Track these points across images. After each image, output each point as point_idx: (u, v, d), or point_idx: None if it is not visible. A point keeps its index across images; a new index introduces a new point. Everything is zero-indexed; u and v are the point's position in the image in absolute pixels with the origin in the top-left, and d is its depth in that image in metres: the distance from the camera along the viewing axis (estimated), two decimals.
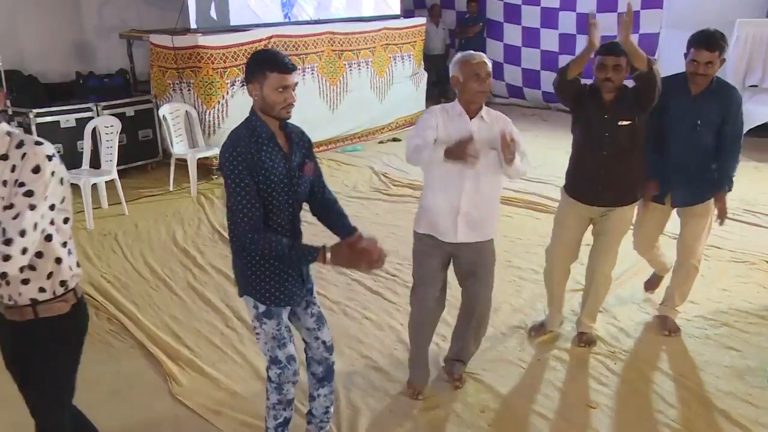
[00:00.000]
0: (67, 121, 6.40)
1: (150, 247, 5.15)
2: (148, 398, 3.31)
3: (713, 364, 3.51)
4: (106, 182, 5.96)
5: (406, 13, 10.09)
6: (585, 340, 3.69)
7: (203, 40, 6.65)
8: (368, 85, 8.51)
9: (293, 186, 2.44)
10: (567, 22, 9.53)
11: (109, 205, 6.05)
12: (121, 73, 7.57)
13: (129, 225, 5.65)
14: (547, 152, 7.35)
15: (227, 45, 6.82)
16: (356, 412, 3.15)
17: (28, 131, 6.15)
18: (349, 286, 4.47)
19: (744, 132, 3.60)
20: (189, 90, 6.85)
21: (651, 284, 4.23)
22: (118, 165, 5.90)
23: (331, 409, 2.87)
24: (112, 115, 6.38)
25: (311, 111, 7.60)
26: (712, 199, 3.61)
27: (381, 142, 8.61)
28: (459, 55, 3.02)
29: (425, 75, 9.60)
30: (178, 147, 6.61)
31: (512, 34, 10.27)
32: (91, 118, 6.23)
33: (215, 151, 6.67)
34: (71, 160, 6.18)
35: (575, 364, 3.52)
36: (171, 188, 6.58)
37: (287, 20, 7.79)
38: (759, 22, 7.53)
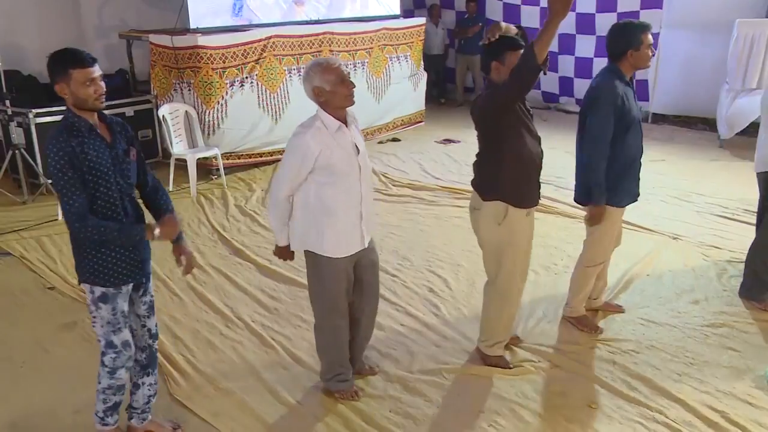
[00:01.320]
0: None
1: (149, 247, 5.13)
2: None
3: (713, 364, 3.51)
4: None
5: (406, 13, 10.08)
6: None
7: (203, 40, 6.65)
8: (365, 85, 8.50)
9: (122, 171, 2.59)
10: (566, 22, 9.39)
11: None
12: (121, 73, 7.57)
13: None
14: (547, 152, 7.23)
15: (227, 45, 6.81)
16: (355, 411, 3.15)
17: (27, 131, 6.15)
18: None
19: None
20: (189, 90, 6.85)
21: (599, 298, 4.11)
22: None
23: (154, 399, 2.97)
24: (112, 115, 6.33)
25: (308, 112, 7.58)
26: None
27: (380, 143, 8.60)
28: (314, 63, 2.87)
29: (425, 75, 9.60)
30: (178, 147, 6.60)
31: None
32: None
33: (215, 152, 6.67)
34: None
35: (576, 365, 3.51)
36: (170, 188, 6.57)
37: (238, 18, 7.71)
38: (758, 22, 7.53)
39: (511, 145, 3.14)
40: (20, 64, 7.06)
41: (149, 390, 2.94)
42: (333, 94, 2.82)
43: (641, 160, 3.64)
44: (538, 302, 4.21)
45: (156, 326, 2.91)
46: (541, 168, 3.29)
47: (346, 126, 2.93)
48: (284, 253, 3.12)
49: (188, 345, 3.77)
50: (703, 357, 3.58)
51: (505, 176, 3.17)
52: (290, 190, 2.92)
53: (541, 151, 3.29)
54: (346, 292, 3.07)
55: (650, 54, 3.48)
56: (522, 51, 2.96)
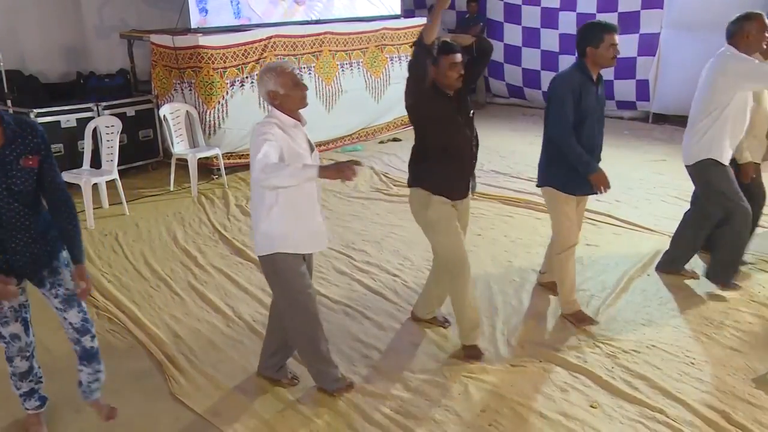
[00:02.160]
0: (68, 121, 6.40)
1: (150, 247, 5.15)
2: (148, 398, 3.31)
3: (713, 364, 3.51)
4: (106, 182, 5.96)
5: (407, 13, 10.08)
6: None
7: (204, 40, 6.66)
8: (363, 85, 8.51)
9: (6, 178, 2.52)
10: (567, 22, 9.51)
11: (109, 205, 6.05)
12: (122, 73, 7.58)
13: (130, 225, 5.65)
14: None
15: (227, 45, 6.82)
16: (357, 412, 3.15)
17: None
18: (349, 286, 4.47)
19: None
20: (190, 90, 6.85)
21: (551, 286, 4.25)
22: (118, 165, 5.91)
23: (95, 386, 3.02)
24: (113, 115, 6.39)
25: (308, 111, 7.59)
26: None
27: (381, 142, 8.60)
28: (267, 68, 2.97)
29: None
30: (179, 147, 6.61)
31: (512, 34, 10.27)
32: (92, 118, 6.23)
33: (216, 151, 6.68)
34: (72, 160, 6.22)
35: (575, 364, 3.51)
36: (171, 188, 6.58)
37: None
38: None
39: (435, 139, 3.40)
40: (21, 65, 7.08)
41: (88, 377, 2.99)
42: (287, 97, 2.91)
43: (594, 155, 3.75)
44: (538, 302, 4.21)
45: (83, 320, 2.86)
46: (470, 163, 3.48)
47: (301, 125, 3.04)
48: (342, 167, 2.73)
49: (189, 344, 3.77)
50: (704, 356, 3.58)
51: (428, 167, 3.43)
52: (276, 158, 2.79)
53: (474, 147, 3.47)
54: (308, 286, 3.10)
55: (611, 54, 3.58)
56: (454, 55, 3.29)
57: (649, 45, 8.81)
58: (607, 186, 3.68)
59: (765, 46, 3.92)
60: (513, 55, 10.35)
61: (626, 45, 9.11)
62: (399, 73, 9.00)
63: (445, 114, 3.38)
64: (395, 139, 8.71)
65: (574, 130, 3.62)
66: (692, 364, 3.51)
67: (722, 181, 4.08)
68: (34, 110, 6.16)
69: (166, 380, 3.44)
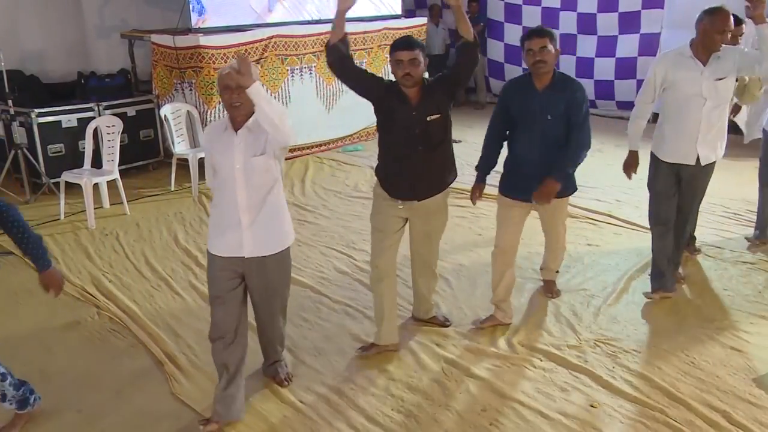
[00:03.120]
0: (69, 121, 6.41)
1: (151, 247, 5.15)
2: (149, 397, 3.31)
3: (714, 363, 3.51)
4: (107, 182, 5.97)
5: (408, 13, 10.08)
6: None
7: (204, 40, 6.66)
8: None
9: None
10: (568, 22, 9.52)
11: (110, 204, 6.06)
12: (123, 72, 7.58)
13: (130, 224, 5.65)
14: None
15: (228, 45, 6.82)
16: (358, 410, 3.15)
17: (30, 131, 6.16)
18: (350, 286, 4.47)
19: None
20: (191, 90, 6.86)
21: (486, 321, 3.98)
22: (119, 165, 5.91)
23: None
24: (114, 114, 6.40)
25: (308, 111, 7.63)
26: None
27: None
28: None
29: (425, 75, 9.59)
30: (180, 147, 6.61)
31: (513, 34, 10.26)
32: (93, 117, 6.24)
33: None
34: (73, 160, 6.22)
35: (576, 364, 3.51)
36: (172, 188, 6.59)
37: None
38: None
39: (380, 138, 3.54)
40: (22, 65, 7.09)
41: None
42: (223, 101, 2.91)
43: (532, 163, 3.63)
44: (539, 301, 4.21)
45: None
46: (415, 164, 3.39)
47: (237, 130, 2.90)
48: None
49: (190, 344, 3.77)
50: (705, 356, 3.58)
51: (378, 159, 3.59)
52: (209, 179, 3.11)
53: (416, 150, 3.38)
54: (221, 291, 3.00)
55: (530, 60, 3.50)
56: (397, 52, 3.30)
57: (649, 45, 8.81)
58: (474, 200, 3.82)
59: (717, 46, 3.70)
60: (514, 55, 10.34)
61: (627, 45, 9.15)
62: None
63: (387, 109, 3.39)
64: None
65: (512, 134, 3.71)
66: (693, 363, 3.51)
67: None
68: (35, 110, 6.16)
69: (167, 379, 3.44)
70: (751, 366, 3.48)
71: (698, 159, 3.89)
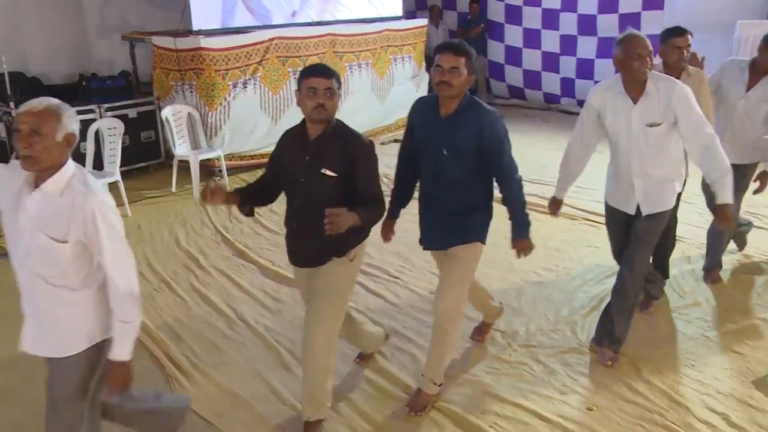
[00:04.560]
0: None
1: (153, 249, 5.16)
2: None
3: (713, 366, 3.52)
4: (108, 184, 5.96)
5: (408, 15, 10.09)
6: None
7: (205, 42, 6.67)
8: (369, 86, 8.53)
9: None
10: (568, 23, 9.53)
11: None
12: (124, 74, 7.59)
13: (132, 226, 5.66)
14: (549, 153, 7.35)
15: (229, 47, 6.83)
16: (358, 414, 3.16)
17: None
18: None
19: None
20: (191, 92, 6.87)
21: (479, 331, 3.78)
22: (120, 166, 5.92)
23: None
24: (115, 116, 6.40)
25: None
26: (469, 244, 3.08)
27: (383, 144, 8.60)
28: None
29: (426, 76, 9.61)
30: (181, 148, 6.62)
31: (513, 35, 10.28)
32: (94, 119, 6.25)
33: (218, 153, 6.69)
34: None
35: (575, 366, 3.52)
36: (173, 190, 6.60)
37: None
38: (759, 24, 7.53)
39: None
40: (24, 66, 7.09)
41: None
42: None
43: (437, 207, 3.08)
44: (539, 304, 4.22)
45: None
46: (299, 232, 2.82)
47: (35, 188, 2.18)
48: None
49: (191, 346, 3.78)
50: (704, 359, 3.59)
51: None
52: None
53: (306, 217, 2.75)
54: None
55: (436, 79, 2.86)
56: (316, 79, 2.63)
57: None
58: (386, 239, 3.22)
59: (639, 74, 3.13)
60: (514, 56, 10.36)
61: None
62: (402, 74, 9.03)
63: (285, 181, 2.81)
64: (396, 141, 8.71)
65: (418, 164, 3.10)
66: (693, 366, 3.53)
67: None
68: None
69: (168, 382, 3.45)
70: (750, 368, 3.49)
71: (638, 208, 3.40)
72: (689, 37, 3.84)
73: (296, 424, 3.10)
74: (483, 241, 3.10)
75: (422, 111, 3.05)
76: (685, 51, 3.81)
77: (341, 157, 2.71)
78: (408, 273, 4.71)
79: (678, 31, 3.82)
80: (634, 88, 3.20)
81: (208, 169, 6.86)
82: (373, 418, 3.13)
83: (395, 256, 4.98)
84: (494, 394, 3.30)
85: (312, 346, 2.79)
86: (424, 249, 3.28)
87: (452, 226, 3.05)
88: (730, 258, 4.84)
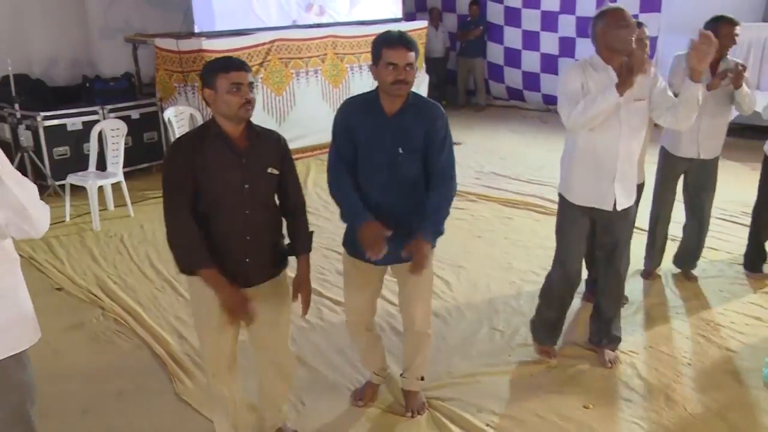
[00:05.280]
0: (74, 124, 6.44)
1: (155, 249, 5.17)
2: (153, 398, 3.33)
3: (710, 365, 3.53)
4: (112, 184, 5.99)
5: (408, 16, 10.10)
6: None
7: (207, 44, 6.68)
8: (370, 87, 8.51)
9: None
10: (567, 25, 9.54)
11: (114, 206, 6.08)
12: (127, 76, 7.60)
13: (134, 226, 5.67)
14: (547, 154, 7.37)
15: (231, 49, 6.84)
16: (358, 413, 3.17)
17: (35, 134, 6.19)
18: None
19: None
20: (194, 93, 6.88)
21: (359, 394, 3.28)
22: (123, 167, 5.93)
23: None
24: (118, 117, 6.42)
25: (313, 113, 7.65)
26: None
27: None
28: None
29: (426, 77, 9.62)
30: None
31: (512, 37, 10.29)
32: (97, 121, 6.27)
33: None
34: (78, 163, 6.25)
35: (571, 367, 3.53)
36: None
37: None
38: (755, 26, 7.54)
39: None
40: (29, 69, 7.11)
41: None
42: None
43: (384, 212, 2.70)
44: (534, 304, 4.22)
45: None
46: (237, 246, 2.46)
47: None
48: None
49: (193, 345, 3.78)
50: (700, 357, 3.60)
51: None
52: None
53: (247, 228, 2.45)
54: None
55: (390, 78, 2.59)
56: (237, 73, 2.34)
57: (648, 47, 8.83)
58: (374, 251, 2.59)
59: (627, 43, 2.99)
60: (513, 57, 10.37)
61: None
62: None
63: (206, 164, 2.36)
64: None
65: (358, 172, 2.76)
66: (689, 364, 3.53)
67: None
68: (41, 114, 6.19)
69: (171, 380, 3.46)
70: (746, 366, 3.50)
71: (615, 204, 3.22)
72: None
73: (297, 421, 3.11)
74: (435, 242, 2.81)
75: (361, 112, 2.74)
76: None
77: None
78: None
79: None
80: (619, 60, 3.02)
81: None
82: (372, 416, 3.14)
83: None
84: (492, 392, 3.31)
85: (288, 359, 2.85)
86: (375, 264, 2.82)
87: (407, 234, 2.67)
88: (726, 257, 4.85)
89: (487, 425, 3.05)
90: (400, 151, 2.70)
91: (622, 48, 2.99)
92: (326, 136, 8.80)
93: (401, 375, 3.19)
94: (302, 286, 2.64)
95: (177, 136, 6.51)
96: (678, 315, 4.07)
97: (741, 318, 4.01)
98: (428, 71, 9.74)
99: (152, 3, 8.18)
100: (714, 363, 3.55)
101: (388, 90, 2.65)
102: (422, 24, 9.47)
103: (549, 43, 9.84)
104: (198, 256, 2.35)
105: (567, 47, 9.58)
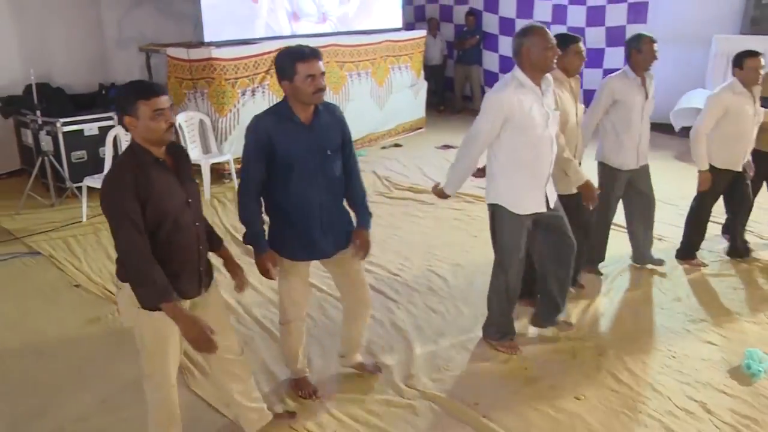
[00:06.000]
0: (91, 129, 6.45)
1: None
2: None
3: (692, 357, 3.54)
4: None
5: (408, 26, 10.11)
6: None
7: (216, 52, 6.69)
8: (368, 93, 8.54)
9: None
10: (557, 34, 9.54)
11: None
12: None
13: None
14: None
15: (239, 57, 6.85)
16: (357, 404, 3.18)
17: (55, 139, 6.20)
18: None
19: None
20: (203, 99, 6.89)
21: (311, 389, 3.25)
22: None
23: None
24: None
25: None
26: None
27: (383, 148, 8.63)
28: None
29: (425, 84, 9.62)
30: (193, 153, 6.63)
31: (507, 46, 10.26)
32: (112, 126, 6.26)
33: (227, 157, 6.71)
34: (94, 166, 6.27)
35: (563, 359, 3.54)
36: None
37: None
38: (733, 38, 7.54)
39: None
40: (49, 77, 7.12)
41: None
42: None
43: (321, 212, 2.86)
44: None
45: None
46: (194, 257, 2.52)
47: None
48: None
49: None
50: (684, 350, 3.61)
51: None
52: None
53: (200, 239, 2.53)
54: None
55: (311, 88, 2.66)
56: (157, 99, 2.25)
57: None
58: (269, 277, 2.87)
59: (549, 63, 3.13)
60: (507, 65, 10.34)
61: (614, 56, 9.19)
62: (400, 82, 9.04)
63: (152, 191, 2.28)
64: (396, 145, 8.73)
65: (280, 183, 2.79)
66: (674, 357, 3.54)
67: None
68: (60, 120, 6.20)
69: (182, 373, 3.47)
70: (726, 359, 3.52)
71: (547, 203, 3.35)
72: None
73: (302, 415, 3.12)
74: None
75: (279, 126, 2.74)
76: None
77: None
78: (407, 270, 4.72)
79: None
80: (538, 78, 3.18)
81: (218, 172, 6.89)
82: (372, 408, 3.15)
83: (396, 255, 5.00)
84: (487, 385, 3.32)
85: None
86: (309, 260, 2.98)
87: (338, 228, 2.94)
88: (708, 255, 4.85)
89: (483, 416, 3.06)
90: (329, 152, 2.83)
91: (546, 69, 3.14)
92: None
93: (351, 354, 3.36)
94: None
95: (187, 140, 6.55)
96: (664, 310, 4.07)
97: (722, 312, 4.02)
98: (427, 78, 9.75)
99: (164, 14, 8.19)
100: (697, 356, 3.56)
101: (308, 100, 2.71)
102: (421, 33, 9.48)
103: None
104: (164, 288, 2.29)
105: None
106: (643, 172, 4.35)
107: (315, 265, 3.12)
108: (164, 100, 2.29)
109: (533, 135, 3.16)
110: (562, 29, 9.50)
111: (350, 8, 8.50)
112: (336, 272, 3.15)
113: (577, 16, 9.27)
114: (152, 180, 2.28)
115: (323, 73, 2.70)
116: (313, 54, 2.67)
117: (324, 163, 2.81)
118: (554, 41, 3.14)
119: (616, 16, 8.93)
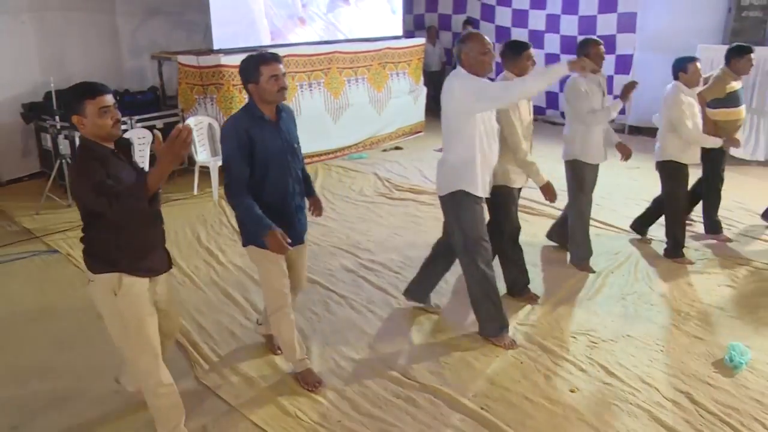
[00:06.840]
0: None
1: (177, 246, 5.16)
2: (175, 380, 3.25)
3: (679, 351, 3.52)
4: None
5: (407, 34, 10.08)
6: None
7: (225, 59, 6.68)
8: (367, 99, 8.52)
9: None
10: (552, 43, 9.52)
11: None
12: (152, 89, 7.60)
13: None
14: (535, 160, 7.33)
15: None
16: (362, 397, 3.17)
17: (72, 143, 6.19)
18: (355, 282, 4.48)
19: None
20: (212, 104, 6.88)
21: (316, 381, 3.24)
22: None
23: None
24: (144, 127, 6.43)
25: (318, 122, 7.65)
26: None
27: (384, 150, 8.60)
28: None
29: (424, 90, 9.60)
30: (202, 155, 6.63)
31: None
32: (126, 130, 6.26)
33: None
34: None
35: (558, 353, 3.52)
36: (195, 193, 6.60)
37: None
38: (717, 48, 7.51)
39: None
40: (68, 85, 7.04)
41: None
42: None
43: (294, 201, 3.02)
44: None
45: None
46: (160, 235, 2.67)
47: None
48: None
49: (211, 334, 3.79)
50: (671, 344, 3.59)
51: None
52: None
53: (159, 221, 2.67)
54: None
55: (275, 87, 2.81)
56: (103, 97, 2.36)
57: (624, 64, 8.88)
58: (281, 251, 2.81)
59: (487, 67, 3.36)
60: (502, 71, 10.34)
61: (605, 64, 9.14)
62: (399, 87, 9.01)
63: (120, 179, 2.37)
64: (397, 148, 8.71)
65: (259, 181, 2.88)
66: (661, 351, 3.53)
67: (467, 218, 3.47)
68: None
69: (191, 365, 3.46)
70: (711, 352, 3.50)
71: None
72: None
73: (306, 405, 3.10)
74: None
75: (255, 126, 2.84)
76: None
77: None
78: (407, 269, 4.69)
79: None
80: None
81: None
82: (374, 400, 3.13)
83: (397, 254, 4.98)
84: (485, 378, 3.30)
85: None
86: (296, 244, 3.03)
87: (302, 218, 3.14)
88: (693, 253, 4.83)
89: (482, 408, 3.04)
90: (295, 146, 3.03)
91: (483, 72, 3.36)
92: (329, 144, 8.86)
93: (268, 324, 3.41)
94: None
95: (197, 143, 6.54)
96: (654, 306, 4.05)
97: (707, 308, 4.01)
98: (426, 84, 9.71)
99: (176, 24, 8.19)
100: (683, 349, 3.54)
101: (273, 99, 2.86)
102: (420, 41, 9.46)
103: (536, 59, 9.80)
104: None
105: (552, 63, 9.55)
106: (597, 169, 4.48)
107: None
108: (109, 98, 2.35)
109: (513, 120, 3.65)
110: (555, 38, 9.52)
111: (353, 16, 8.49)
112: (290, 260, 3.16)
113: (569, 26, 9.26)
114: (111, 168, 2.36)
115: (284, 74, 2.87)
116: (273, 57, 2.86)
117: (294, 156, 3.00)
118: (490, 47, 3.34)
119: (607, 25, 8.93)
